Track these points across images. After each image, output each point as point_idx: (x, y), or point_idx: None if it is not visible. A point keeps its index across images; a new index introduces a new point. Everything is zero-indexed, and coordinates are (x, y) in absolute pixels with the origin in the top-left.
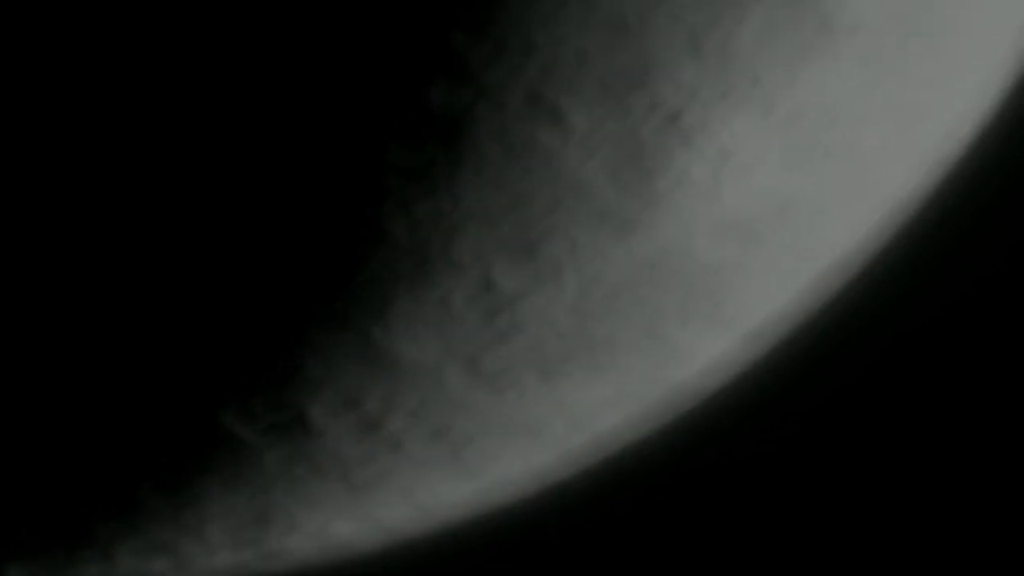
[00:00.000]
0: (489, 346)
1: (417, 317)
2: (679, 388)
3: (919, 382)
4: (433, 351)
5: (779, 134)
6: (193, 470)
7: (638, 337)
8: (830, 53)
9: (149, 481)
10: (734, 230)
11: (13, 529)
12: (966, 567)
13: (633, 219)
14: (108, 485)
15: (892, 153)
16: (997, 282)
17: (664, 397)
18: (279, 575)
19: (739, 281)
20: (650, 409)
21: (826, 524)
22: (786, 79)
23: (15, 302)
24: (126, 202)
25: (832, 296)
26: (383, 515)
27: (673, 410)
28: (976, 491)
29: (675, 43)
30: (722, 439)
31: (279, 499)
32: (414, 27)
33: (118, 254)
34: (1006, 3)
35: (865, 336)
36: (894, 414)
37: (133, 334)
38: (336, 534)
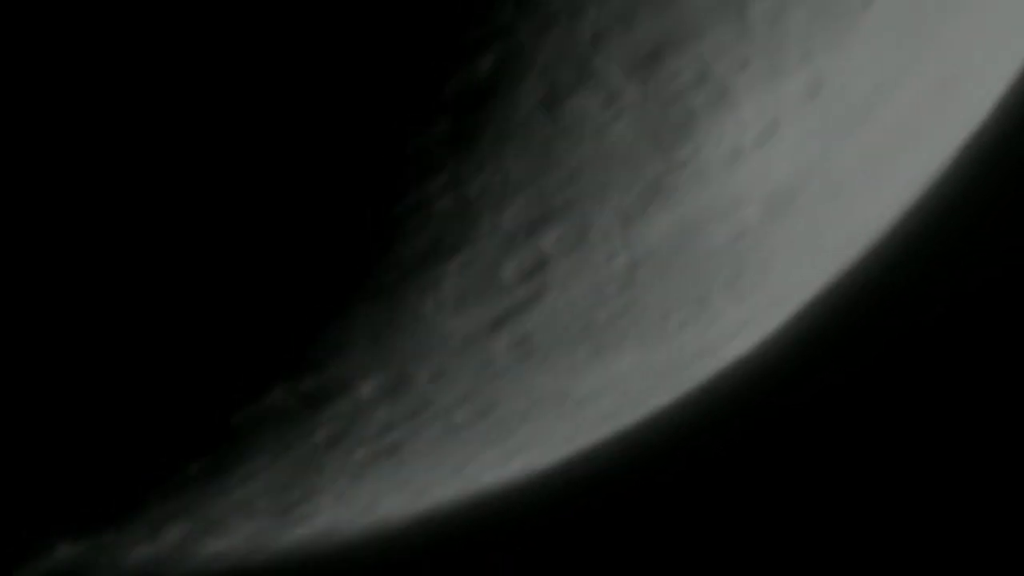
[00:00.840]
0: (538, 320)
1: (465, 292)
2: (724, 362)
3: (957, 356)
4: (482, 326)
5: (824, 105)
6: (241, 446)
7: (687, 310)
8: (873, 23)
9: (198, 458)
10: (779, 202)
11: (63, 507)
12: (966, 567)
13: (681, 191)
14: (157, 462)
15: (932, 126)
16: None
17: (710, 371)
18: (328, 553)
19: (783, 254)
20: (696, 384)
21: (843, 509)
22: (832, 50)
23: (54, 284)
24: (173, 183)
25: (871, 271)
26: (431, 490)
27: (719, 387)
28: (976, 483)
29: (724, 14)
30: (755, 413)
31: (327, 474)
32: None
33: (173, 231)
34: None
35: (899, 312)
36: (928, 390)
37: (183, 311)
38: (383, 509)
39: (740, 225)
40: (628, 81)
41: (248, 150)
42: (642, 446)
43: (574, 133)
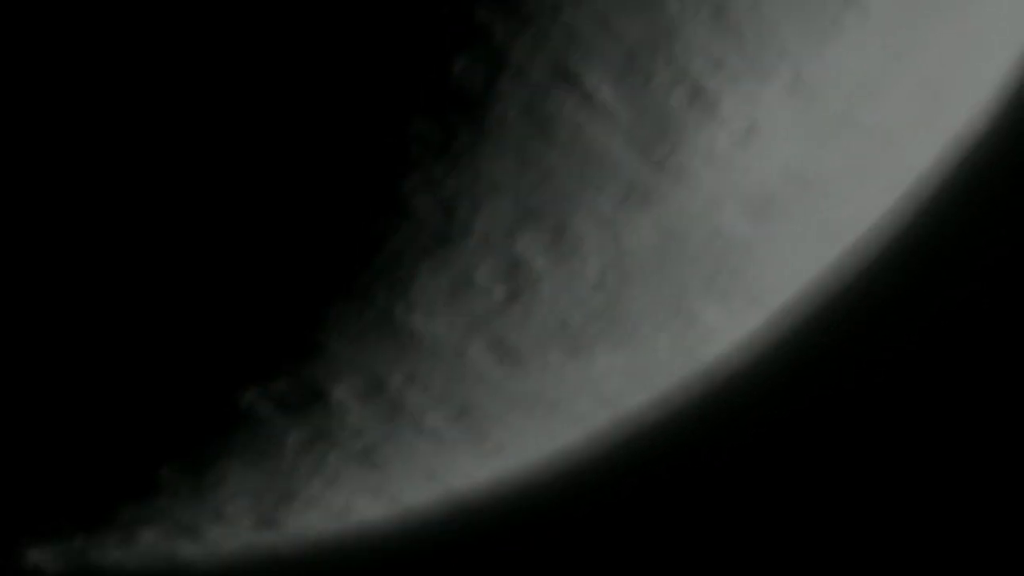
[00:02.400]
0: (513, 322)
1: (440, 294)
2: (704, 364)
3: (943, 357)
4: (457, 328)
5: (805, 108)
6: (214, 450)
7: (663, 312)
8: (855, 25)
9: (170, 462)
10: (759, 204)
11: (34, 512)
12: (966, 566)
13: (658, 193)
14: (129, 467)
15: (916, 126)
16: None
17: (689, 374)
18: (301, 554)
19: (763, 255)
20: (675, 386)
21: (844, 508)
22: (813, 53)
23: (33, 288)
24: (146, 185)
25: (854, 272)
26: (405, 494)
27: (697, 388)
28: (977, 481)
29: (701, 15)
30: (736, 415)
31: (301, 479)
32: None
33: (139, 236)
34: None
35: (885, 313)
36: (915, 391)
37: (154, 315)
38: (358, 513)
39: (717, 226)
40: (605, 82)
41: (219, 152)
42: (619, 449)
43: (550, 135)
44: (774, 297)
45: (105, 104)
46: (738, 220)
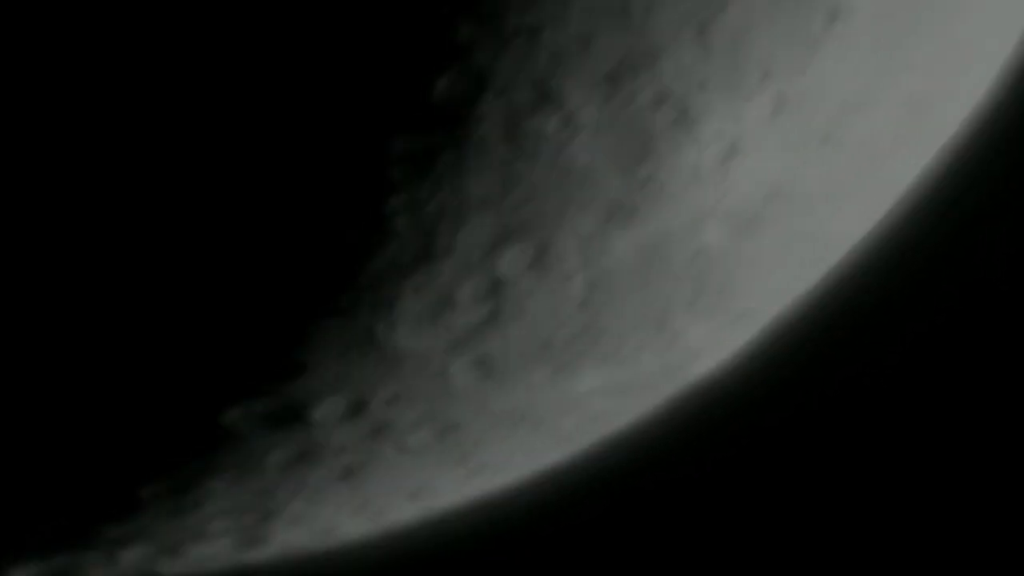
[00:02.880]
0: (496, 341)
1: (423, 312)
2: (688, 380)
3: (927, 371)
4: (439, 346)
5: (788, 124)
6: (197, 470)
7: (647, 329)
8: (838, 43)
9: (153, 480)
10: (742, 221)
11: (16, 531)
12: (966, 566)
13: (640, 210)
14: (111, 486)
15: (900, 142)
16: (1004, 271)
17: (674, 390)
18: (284, 573)
19: (748, 272)
20: (660, 403)
21: (839, 514)
22: (795, 70)
23: (13, 303)
24: (125, 200)
25: (839, 287)
26: (388, 513)
27: (682, 403)
28: (976, 481)
29: (682, 34)
30: (724, 431)
31: (284, 497)
32: (418, 18)
33: (119, 252)
34: None
35: (869, 328)
36: (900, 405)
37: (135, 333)
38: (341, 532)
39: (701, 245)
40: (587, 101)
41: (200, 170)
42: (603, 467)
43: (532, 153)
44: (758, 314)
45: (82, 127)
46: (722, 238)
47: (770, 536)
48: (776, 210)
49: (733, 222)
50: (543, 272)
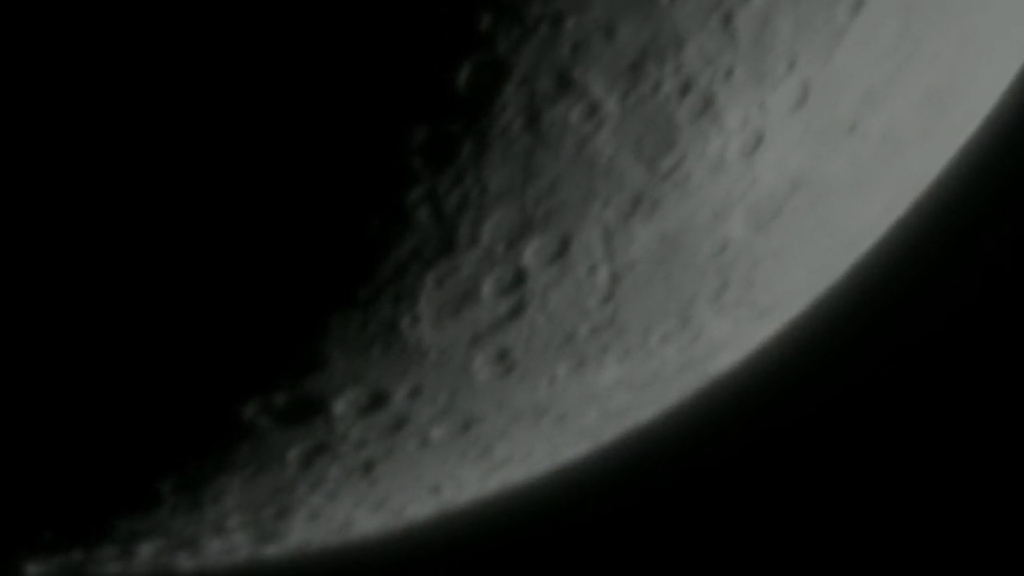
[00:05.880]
0: (518, 334)
1: (444, 306)
2: (711, 375)
3: (951, 364)
4: (461, 340)
5: (812, 115)
6: (214, 464)
7: (670, 322)
8: (863, 32)
9: (170, 476)
10: (767, 213)
11: (32, 527)
12: (966, 566)
13: (665, 203)
14: (128, 480)
15: (924, 134)
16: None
17: (696, 384)
18: (300, 568)
19: (771, 265)
20: (683, 397)
21: (831, 524)
22: (820, 59)
23: (33, 297)
24: (145, 194)
25: (862, 280)
26: (407, 508)
27: (705, 398)
28: (977, 483)
29: (708, 22)
30: (747, 425)
31: (302, 492)
32: (439, 6)
33: (139, 246)
34: None
35: (894, 323)
36: (926, 398)
37: (154, 327)
38: (359, 527)
39: (724, 237)
40: (609, 92)
41: (218, 163)
42: (625, 462)
43: (554, 144)
44: (781, 307)
45: (95, 120)
46: (746, 230)
47: (794, 528)
48: (800, 202)
49: (757, 214)
50: (566, 265)
